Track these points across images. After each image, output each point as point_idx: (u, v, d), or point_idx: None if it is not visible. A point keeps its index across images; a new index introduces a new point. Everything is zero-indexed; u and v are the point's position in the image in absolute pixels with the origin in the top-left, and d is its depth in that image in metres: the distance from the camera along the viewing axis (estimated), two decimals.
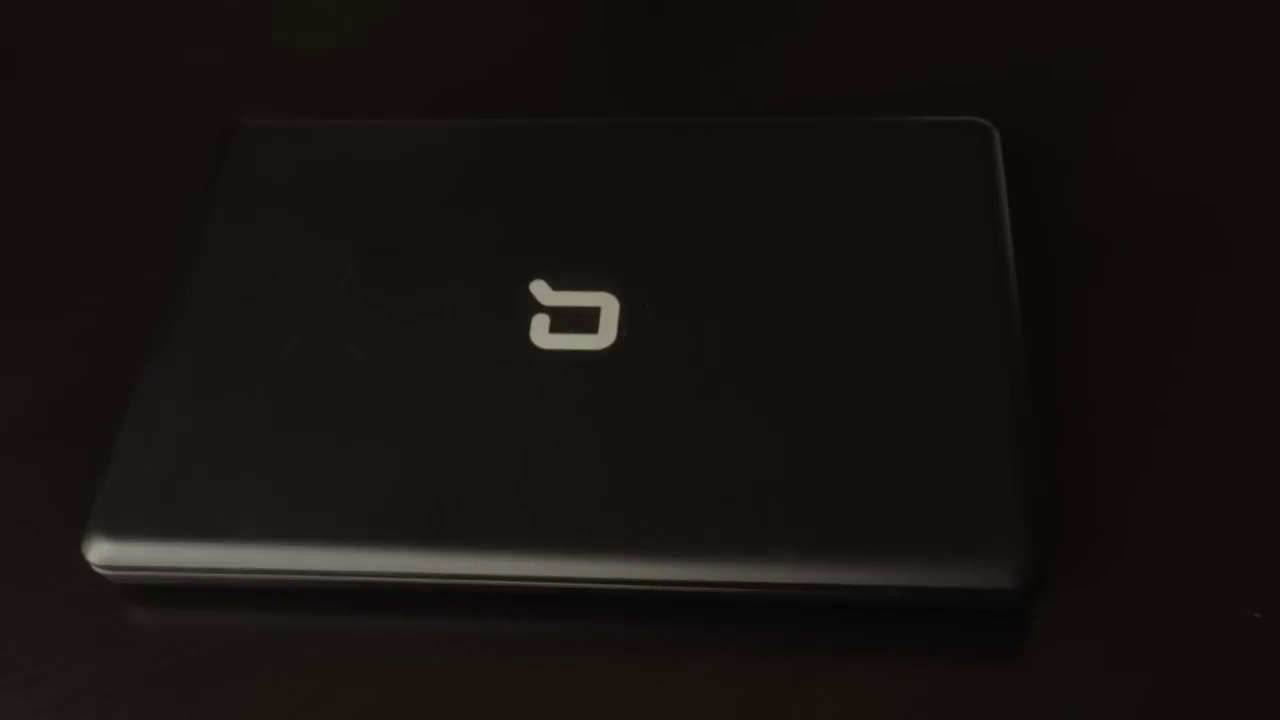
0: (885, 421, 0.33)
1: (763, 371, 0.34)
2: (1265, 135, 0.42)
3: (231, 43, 0.49)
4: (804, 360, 0.34)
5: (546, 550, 0.32)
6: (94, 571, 0.33)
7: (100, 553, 0.33)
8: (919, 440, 0.33)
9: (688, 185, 0.38)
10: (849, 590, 0.31)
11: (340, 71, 0.47)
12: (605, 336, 0.35)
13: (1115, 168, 0.41)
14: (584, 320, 0.36)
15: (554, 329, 0.35)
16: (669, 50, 0.47)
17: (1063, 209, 0.40)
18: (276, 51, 0.48)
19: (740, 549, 0.32)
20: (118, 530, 0.33)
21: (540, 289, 0.36)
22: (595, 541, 0.32)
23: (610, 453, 0.33)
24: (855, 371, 0.34)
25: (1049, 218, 0.39)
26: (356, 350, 0.36)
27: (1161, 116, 0.43)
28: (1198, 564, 0.33)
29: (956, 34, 0.46)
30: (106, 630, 0.34)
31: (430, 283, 0.37)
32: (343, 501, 0.33)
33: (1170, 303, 0.38)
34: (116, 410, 0.35)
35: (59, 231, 0.43)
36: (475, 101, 0.45)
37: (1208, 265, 0.38)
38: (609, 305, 0.36)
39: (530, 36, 0.48)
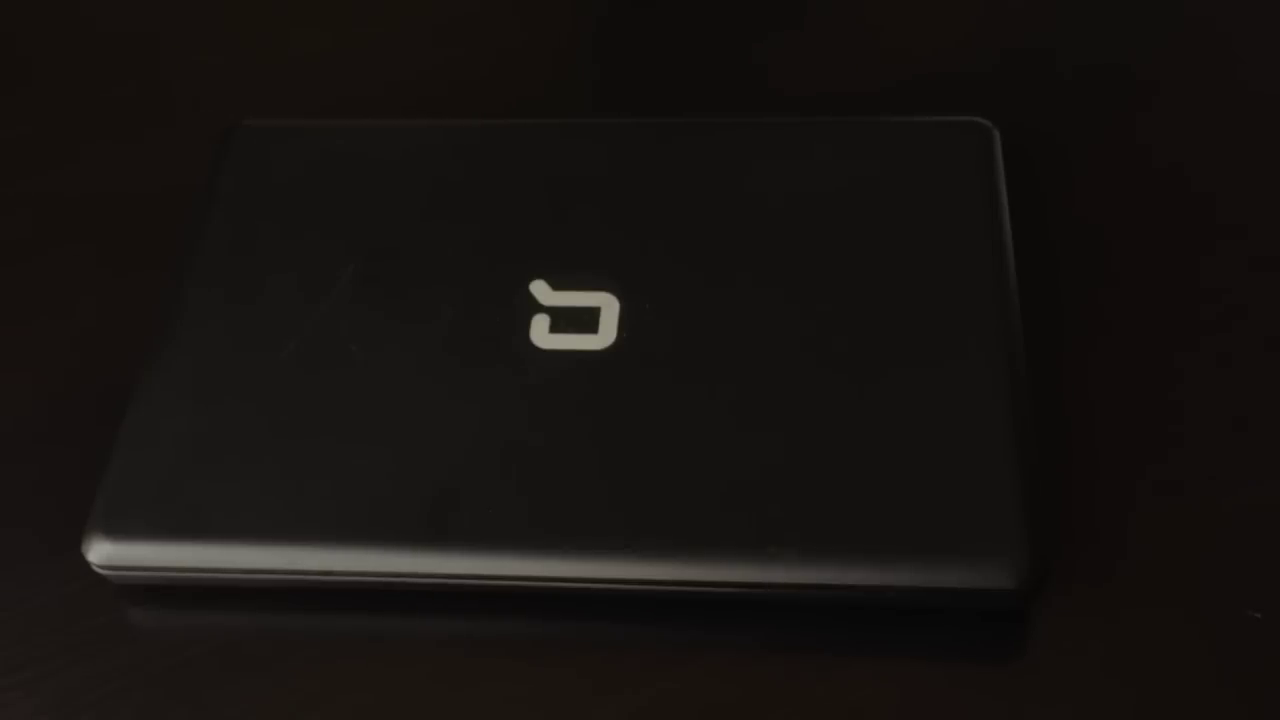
0: (885, 422, 0.33)
1: (762, 371, 0.34)
2: (1270, 131, 0.42)
3: (232, 43, 0.49)
4: (803, 360, 0.34)
5: (546, 550, 0.32)
6: (94, 571, 0.33)
7: (100, 553, 0.33)
8: (919, 440, 0.33)
9: (687, 185, 0.38)
10: (849, 590, 0.31)
11: (340, 71, 0.47)
12: (605, 336, 0.35)
13: (1117, 164, 0.41)
14: (584, 320, 0.36)
15: (554, 329, 0.35)
16: (669, 50, 0.47)
17: (1064, 207, 0.40)
18: (276, 51, 0.48)
19: (740, 549, 0.32)
20: (118, 530, 0.33)
21: (540, 289, 0.36)
22: (595, 541, 0.32)
23: (610, 453, 0.33)
24: (855, 372, 0.34)
25: (1050, 215, 0.39)
26: (356, 350, 0.36)
27: (1164, 113, 0.43)
28: (1198, 564, 0.33)
29: (957, 30, 0.46)
30: (106, 630, 0.34)
31: (430, 283, 0.37)
32: (343, 501, 0.33)
33: (1171, 302, 0.38)
34: (116, 410, 0.35)
35: (59, 231, 0.43)
36: (475, 101, 0.45)
37: (1209, 264, 0.38)
38: (609, 305, 0.36)
39: (530, 36, 0.48)
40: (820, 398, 0.34)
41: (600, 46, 0.49)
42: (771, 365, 0.34)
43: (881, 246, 0.36)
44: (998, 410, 0.33)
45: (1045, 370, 0.35)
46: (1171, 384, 0.36)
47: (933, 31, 0.46)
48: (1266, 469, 0.34)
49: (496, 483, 0.33)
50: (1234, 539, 0.33)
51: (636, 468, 0.33)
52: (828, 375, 0.34)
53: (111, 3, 0.51)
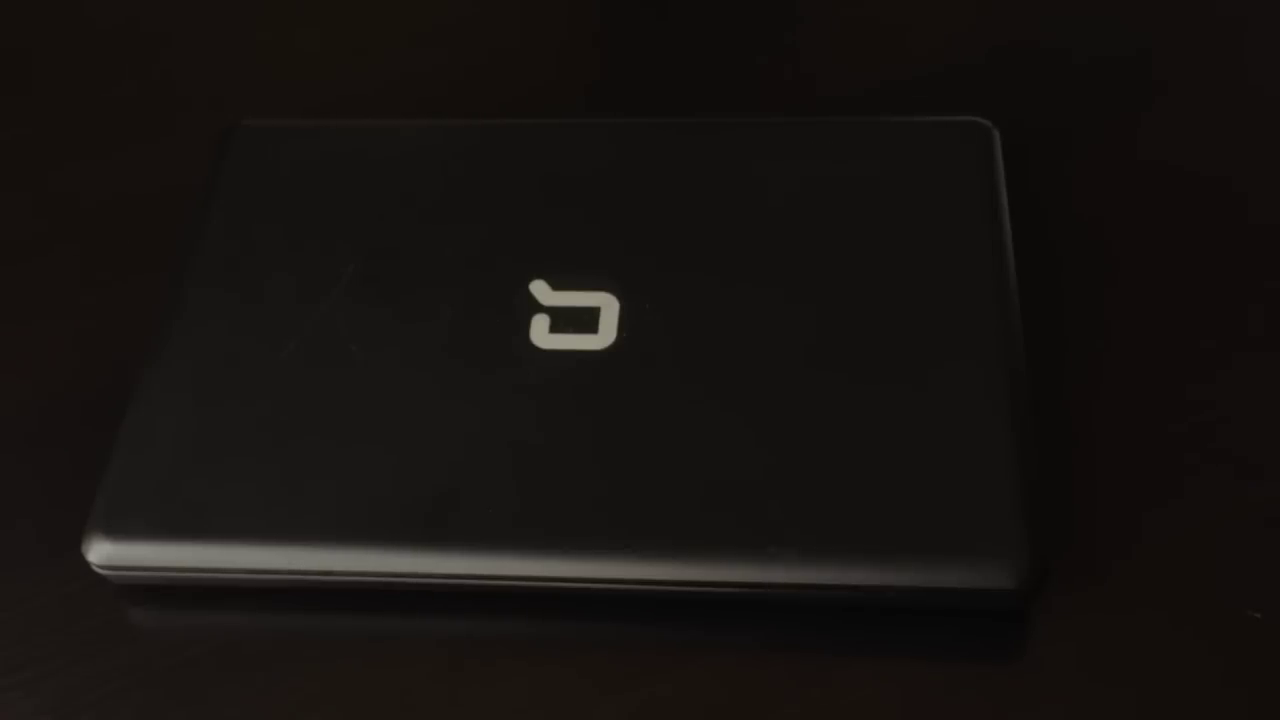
0: (885, 422, 0.33)
1: (762, 371, 0.34)
2: (1272, 129, 0.42)
3: (232, 43, 0.49)
4: (803, 360, 0.34)
5: (546, 550, 0.32)
6: (94, 571, 0.33)
7: (100, 553, 0.33)
8: (919, 440, 0.33)
9: (687, 185, 0.38)
10: (849, 590, 0.31)
11: (340, 71, 0.47)
12: (605, 336, 0.35)
13: (1117, 164, 0.41)
14: (584, 320, 0.36)
15: (554, 329, 0.35)
16: (668, 50, 0.47)
17: (1064, 207, 0.40)
18: (276, 52, 0.48)
19: (740, 549, 0.32)
20: (118, 530, 0.33)
21: (540, 289, 0.36)
22: (595, 541, 0.32)
23: (610, 453, 0.33)
24: (855, 372, 0.34)
25: (1050, 216, 0.39)
26: (356, 350, 0.36)
27: (1165, 113, 0.43)
28: (1198, 564, 0.33)
29: (957, 30, 0.46)
30: (106, 630, 0.34)
31: (430, 283, 0.37)
32: (343, 501, 0.33)
33: (1172, 302, 0.38)
34: (116, 410, 0.35)
35: (59, 231, 0.43)
36: (475, 101, 0.45)
37: (1209, 264, 0.38)
38: (609, 305, 0.36)
39: (529, 36, 0.48)
40: (820, 397, 0.34)
41: (600, 47, 0.49)
42: (771, 365, 0.34)
43: (881, 247, 0.36)
44: (998, 411, 0.33)
45: (1045, 371, 0.35)
46: (1172, 384, 0.36)
47: (932, 31, 0.46)
48: (1267, 469, 0.34)
49: (496, 483, 0.33)
50: (1234, 539, 0.33)
51: (636, 468, 0.33)
52: (827, 375, 0.34)
53: (112, 2, 0.51)
